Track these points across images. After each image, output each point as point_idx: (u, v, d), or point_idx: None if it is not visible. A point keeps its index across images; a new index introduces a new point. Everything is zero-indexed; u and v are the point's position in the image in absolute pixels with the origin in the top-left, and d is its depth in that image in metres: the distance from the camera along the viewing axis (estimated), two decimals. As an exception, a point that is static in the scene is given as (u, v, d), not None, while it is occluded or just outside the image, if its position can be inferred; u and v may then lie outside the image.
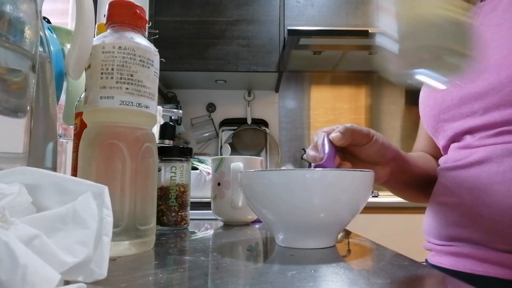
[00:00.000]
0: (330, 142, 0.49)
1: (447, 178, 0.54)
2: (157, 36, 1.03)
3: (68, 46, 0.49)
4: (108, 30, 0.37)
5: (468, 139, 0.53)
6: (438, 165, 0.59)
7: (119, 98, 0.34)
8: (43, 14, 0.42)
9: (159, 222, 0.52)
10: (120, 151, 0.34)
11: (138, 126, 0.36)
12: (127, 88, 0.34)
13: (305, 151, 2.04)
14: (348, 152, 0.52)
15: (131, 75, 0.35)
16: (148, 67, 0.36)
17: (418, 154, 0.68)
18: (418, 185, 0.62)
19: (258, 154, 2.16)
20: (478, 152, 0.50)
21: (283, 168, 1.87)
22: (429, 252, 0.59)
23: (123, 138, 0.34)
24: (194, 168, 1.50)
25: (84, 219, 0.24)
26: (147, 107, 0.35)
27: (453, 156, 0.55)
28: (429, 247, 0.58)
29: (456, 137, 0.55)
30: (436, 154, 0.65)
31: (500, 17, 0.51)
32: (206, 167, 1.51)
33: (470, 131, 0.52)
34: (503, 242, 0.46)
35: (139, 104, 0.35)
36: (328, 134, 0.50)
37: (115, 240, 0.32)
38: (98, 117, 0.35)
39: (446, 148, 0.58)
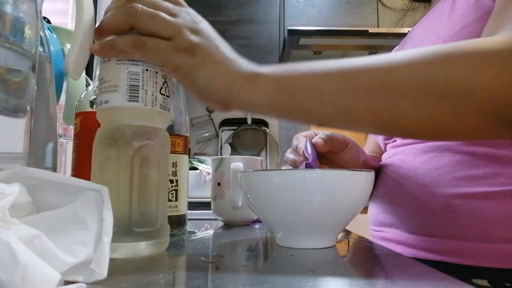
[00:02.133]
0: (313, 145, 0.53)
1: (381, 172, 0.62)
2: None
3: (68, 46, 0.49)
4: (108, 30, 0.37)
5: (398, 140, 0.61)
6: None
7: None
8: (43, 14, 0.42)
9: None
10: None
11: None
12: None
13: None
14: (325, 157, 0.58)
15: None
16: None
17: (371, 156, 0.73)
18: None
19: (258, 154, 2.16)
20: (399, 151, 0.58)
21: (283, 168, 1.87)
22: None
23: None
24: (194, 168, 1.50)
25: (84, 219, 0.24)
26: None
27: (386, 153, 0.64)
28: (370, 233, 0.65)
29: (389, 138, 0.63)
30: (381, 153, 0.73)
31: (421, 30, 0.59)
32: (206, 167, 1.51)
33: None
34: (413, 225, 0.53)
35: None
36: (310, 138, 0.54)
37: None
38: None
39: (385, 146, 0.67)
